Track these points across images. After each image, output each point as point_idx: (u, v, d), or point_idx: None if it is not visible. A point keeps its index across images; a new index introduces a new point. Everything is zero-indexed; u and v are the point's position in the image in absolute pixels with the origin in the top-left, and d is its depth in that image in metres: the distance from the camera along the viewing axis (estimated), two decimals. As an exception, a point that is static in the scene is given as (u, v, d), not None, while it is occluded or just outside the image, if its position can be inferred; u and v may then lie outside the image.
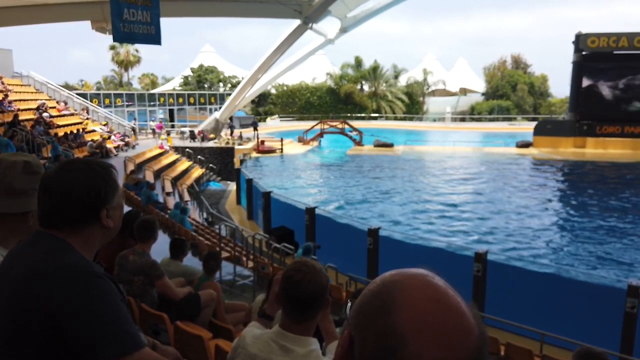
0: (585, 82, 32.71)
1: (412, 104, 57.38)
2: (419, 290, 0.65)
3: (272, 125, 48.62)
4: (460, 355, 0.61)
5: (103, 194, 1.36)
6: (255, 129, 33.05)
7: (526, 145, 33.88)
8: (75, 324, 1.20)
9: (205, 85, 52.60)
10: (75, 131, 20.56)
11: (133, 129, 28.03)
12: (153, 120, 36.70)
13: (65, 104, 25.23)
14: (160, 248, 4.17)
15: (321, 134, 36.90)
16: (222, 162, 27.52)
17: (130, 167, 17.76)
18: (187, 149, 26.44)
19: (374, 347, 0.63)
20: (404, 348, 0.61)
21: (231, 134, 32.39)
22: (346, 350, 0.67)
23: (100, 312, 1.22)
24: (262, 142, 31.89)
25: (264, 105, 55.15)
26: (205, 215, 17.06)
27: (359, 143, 35.64)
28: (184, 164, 24.12)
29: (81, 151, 18.16)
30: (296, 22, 24.37)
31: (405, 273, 0.68)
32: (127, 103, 40.08)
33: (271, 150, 31.72)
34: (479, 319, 0.65)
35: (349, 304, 0.71)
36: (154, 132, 31.29)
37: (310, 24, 24.33)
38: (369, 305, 0.66)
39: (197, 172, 24.05)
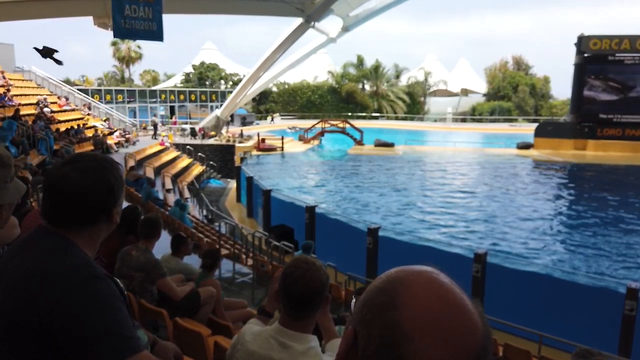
0: (587, 84, 32.68)
1: (413, 104, 57.34)
2: (425, 287, 0.64)
3: (274, 123, 48.59)
4: (464, 353, 0.61)
5: (116, 193, 1.34)
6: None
7: (527, 146, 33.86)
8: (67, 331, 1.15)
9: (207, 83, 52.60)
10: (76, 126, 20.56)
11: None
12: (155, 116, 36.74)
13: (67, 99, 25.24)
14: (159, 245, 4.16)
15: (322, 133, 36.87)
16: (222, 159, 27.53)
17: (131, 163, 17.77)
18: (188, 146, 26.45)
19: (378, 343, 0.62)
20: (408, 344, 0.60)
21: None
22: (350, 345, 0.67)
23: (94, 319, 1.17)
24: (263, 140, 31.87)
25: (265, 104, 55.11)
26: (205, 212, 17.05)
27: (359, 142, 35.62)
28: (185, 161, 24.14)
29: (81, 147, 18.13)
30: (298, 21, 24.34)
31: (410, 270, 0.68)
32: (128, 99, 40.22)
33: (272, 149, 31.70)
34: (483, 317, 0.65)
35: (354, 300, 0.71)
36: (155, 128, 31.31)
37: (312, 23, 24.31)
38: (374, 301, 0.66)
39: (198, 169, 24.06)
